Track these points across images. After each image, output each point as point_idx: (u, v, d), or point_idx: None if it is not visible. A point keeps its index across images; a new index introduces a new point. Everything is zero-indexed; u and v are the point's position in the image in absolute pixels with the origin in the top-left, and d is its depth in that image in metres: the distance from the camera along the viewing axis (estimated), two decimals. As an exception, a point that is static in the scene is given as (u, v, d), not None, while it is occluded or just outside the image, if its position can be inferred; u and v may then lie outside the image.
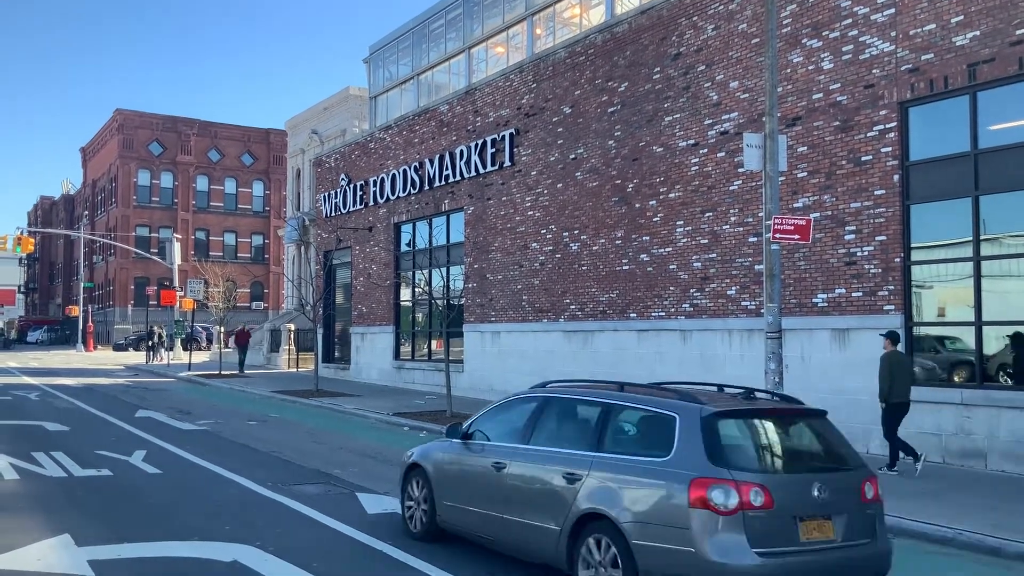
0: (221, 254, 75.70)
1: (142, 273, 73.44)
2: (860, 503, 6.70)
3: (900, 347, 12.79)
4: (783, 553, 6.21)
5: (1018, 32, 12.47)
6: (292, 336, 40.65)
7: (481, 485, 8.08)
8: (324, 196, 34.34)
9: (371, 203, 30.59)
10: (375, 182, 30.31)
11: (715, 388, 7.73)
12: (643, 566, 6.40)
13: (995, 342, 13.27)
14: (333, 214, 33.23)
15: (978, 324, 13.19)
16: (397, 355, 29.25)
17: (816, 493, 6.43)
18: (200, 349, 56.49)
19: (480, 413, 8.91)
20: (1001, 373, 13.12)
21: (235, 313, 45.13)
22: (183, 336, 47.35)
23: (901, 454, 12.47)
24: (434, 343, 27.71)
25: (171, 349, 48.16)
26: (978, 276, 13.18)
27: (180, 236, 60.01)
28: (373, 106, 34.56)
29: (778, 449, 7.03)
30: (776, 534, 6.25)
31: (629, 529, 6.51)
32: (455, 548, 8.57)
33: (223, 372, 35.07)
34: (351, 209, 31.98)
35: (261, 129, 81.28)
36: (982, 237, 13.18)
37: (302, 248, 47.34)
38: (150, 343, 47.63)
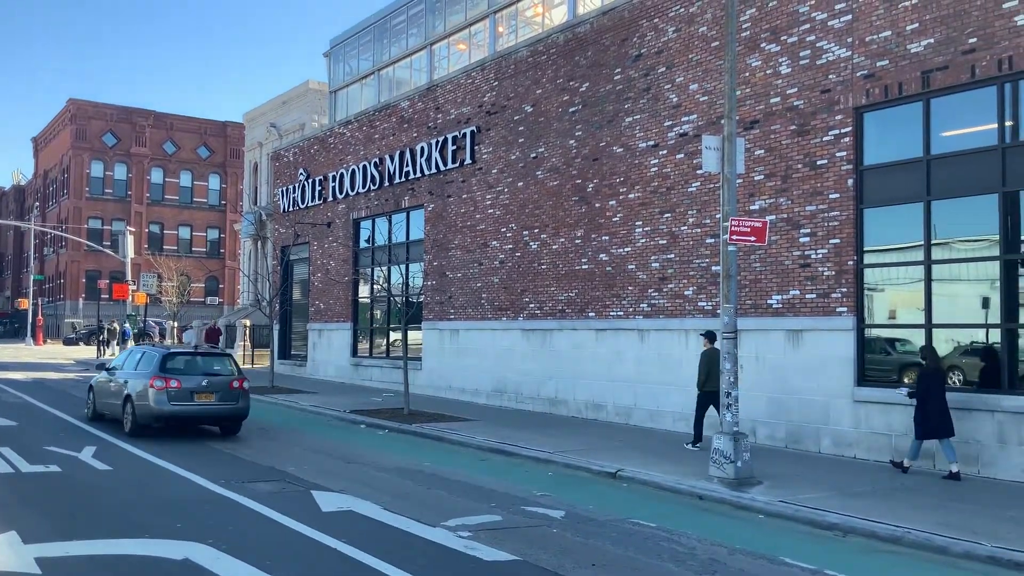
0: (175, 248, 74.58)
1: (94, 266, 72.07)
2: (229, 389, 16.13)
3: (717, 344, 14.03)
4: (185, 405, 15.74)
5: (971, 41, 12.75)
6: (248, 332, 40.17)
7: (107, 390, 17.50)
8: (282, 191, 33.99)
9: (330, 198, 30.35)
10: (334, 177, 30.07)
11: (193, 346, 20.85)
12: (137, 412, 15.81)
13: (944, 344, 13.55)
14: (291, 209, 32.90)
15: (928, 327, 13.46)
16: (355, 352, 29.05)
17: (204, 383, 15.91)
18: (153, 344, 55.47)
19: (115, 358, 19.21)
20: (950, 375, 13.39)
21: (189, 308, 44.55)
22: (136, 331, 46.52)
23: (702, 433, 14.87)
24: (392, 340, 27.57)
25: (122, 343, 47.31)
26: (929, 279, 13.45)
27: (133, 229, 58.81)
28: (333, 100, 34.25)
29: (193, 366, 16.38)
30: (183, 398, 15.70)
31: (135, 398, 15.87)
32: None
33: (176, 368, 34.50)
34: (309, 204, 31.69)
35: (218, 122, 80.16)
36: (933, 241, 13.46)
37: (259, 243, 46.84)
38: (101, 337, 46.85)
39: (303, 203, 32.08)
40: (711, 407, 14.53)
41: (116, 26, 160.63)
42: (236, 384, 16.26)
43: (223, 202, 79.52)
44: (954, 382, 13.29)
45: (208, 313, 65.50)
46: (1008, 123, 12.60)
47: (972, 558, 8.50)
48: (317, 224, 31.07)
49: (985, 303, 13.08)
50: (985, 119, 12.81)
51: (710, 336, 14.82)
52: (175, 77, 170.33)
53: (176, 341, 41.91)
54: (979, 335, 13.30)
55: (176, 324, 40.25)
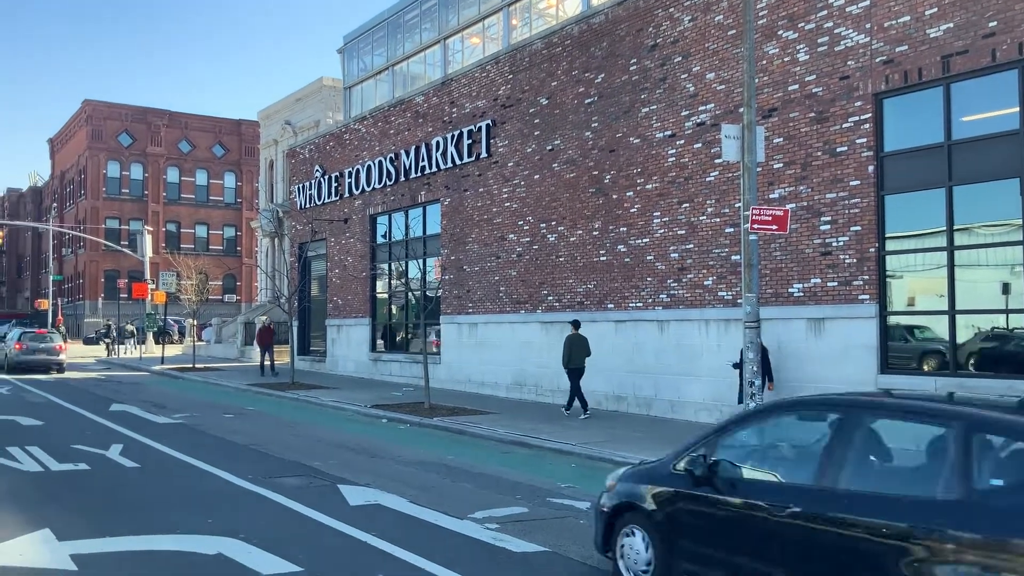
0: (192, 246, 74.98)
1: (112, 266, 72.60)
2: (54, 350, 33.42)
3: (581, 331, 18.32)
4: (30, 356, 32.83)
5: (991, 24, 12.65)
6: (267, 329, 40.31)
7: None
8: (298, 187, 34.13)
9: (346, 194, 30.45)
10: (350, 173, 30.17)
11: None
12: (8, 359, 33.45)
13: (966, 331, 13.48)
14: (307, 206, 33.03)
15: (951, 313, 13.39)
16: (374, 347, 29.17)
17: (40, 346, 33.24)
18: (172, 342, 55.98)
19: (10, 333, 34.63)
20: (972, 361, 13.34)
21: (208, 306, 44.79)
22: (155, 329, 46.92)
23: (586, 402, 17.96)
24: (411, 335, 27.66)
25: (143, 342, 47.76)
26: (951, 265, 13.38)
27: (151, 228, 59.30)
28: (347, 97, 34.34)
29: (36, 338, 33.92)
30: (29, 352, 32.88)
31: (8, 353, 33.90)
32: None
33: (196, 365, 34.81)
34: (326, 201, 31.81)
35: (232, 120, 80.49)
36: (955, 227, 13.38)
37: (276, 240, 47.04)
38: (108, 338, 48.01)
39: (319, 199, 32.20)
40: (578, 380, 18.01)
41: (130, 26, 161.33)
42: (57, 347, 33.27)
43: (239, 200, 79.90)
44: (972, 368, 13.23)
45: (225, 311, 65.90)
46: (1030, 106, 12.49)
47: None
48: (334, 220, 31.19)
49: (1006, 288, 13.00)
50: (1006, 103, 12.71)
51: (575, 324, 18.33)
52: (188, 76, 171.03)
53: (196, 339, 42.21)
54: (1001, 320, 13.23)
55: (196, 322, 40.44)
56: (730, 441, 6.43)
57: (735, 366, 15.01)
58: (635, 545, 6.73)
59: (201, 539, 8.44)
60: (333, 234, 31.36)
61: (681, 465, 6.48)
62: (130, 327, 51.98)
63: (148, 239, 50.74)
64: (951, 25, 13.16)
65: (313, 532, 8.88)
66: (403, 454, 14.15)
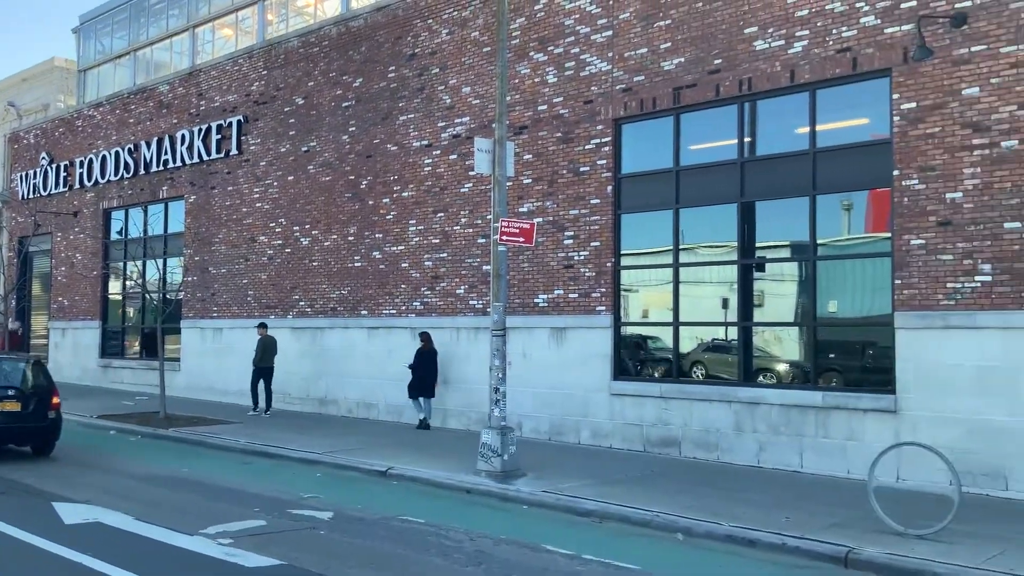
0: None
1: None
2: None
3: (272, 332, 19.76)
4: None
5: (716, 62, 13.90)
6: (-23, 331, 36.15)
7: None
8: (21, 176, 30.97)
9: (77, 186, 28.01)
10: (82, 163, 27.79)
11: None
12: None
13: (690, 341, 14.70)
14: (31, 196, 30.05)
15: (676, 325, 14.53)
16: (104, 352, 26.99)
17: None
18: None
19: None
20: (693, 369, 14.56)
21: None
22: None
23: (270, 403, 19.33)
24: (147, 340, 25.87)
25: None
26: (676, 281, 14.53)
27: None
28: (82, 80, 31.60)
29: None
30: None
31: None
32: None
33: None
34: (53, 191, 29.10)
35: (-57, 96, 71.58)
36: (681, 246, 14.55)
37: (-8, 232, 42.29)
38: None
39: (45, 190, 29.40)
40: (262, 380, 19.29)
41: None
42: None
43: (-52, 186, 71.18)
44: (697, 376, 14.45)
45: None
46: (747, 139, 13.86)
47: (713, 537, 9.27)
48: (61, 213, 28.57)
49: (725, 303, 14.32)
50: (727, 135, 14.01)
51: (263, 326, 19.58)
52: None
53: None
54: (719, 332, 14.54)
55: None
56: None
57: (410, 367, 17.00)
58: None
59: None
60: (60, 228, 28.71)
61: None
62: None
63: None
64: (682, 60, 14.32)
65: (19, 554, 8.02)
66: (131, 468, 13.18)
